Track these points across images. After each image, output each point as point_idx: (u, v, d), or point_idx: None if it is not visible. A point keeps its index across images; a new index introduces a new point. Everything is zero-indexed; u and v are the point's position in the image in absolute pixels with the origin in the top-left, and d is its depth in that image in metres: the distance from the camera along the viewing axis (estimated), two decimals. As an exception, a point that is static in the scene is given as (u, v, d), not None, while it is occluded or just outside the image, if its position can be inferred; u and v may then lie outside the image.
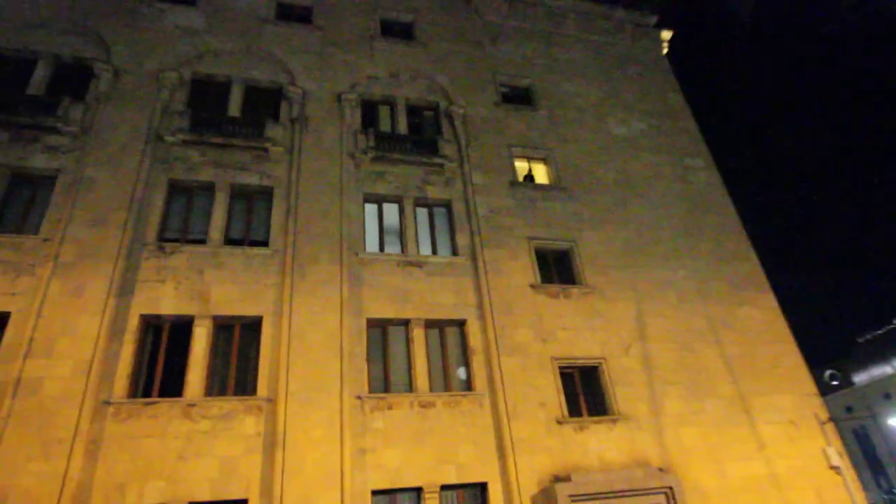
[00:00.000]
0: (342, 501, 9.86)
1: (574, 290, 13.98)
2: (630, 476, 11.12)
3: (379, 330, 12.40)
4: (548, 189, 15.99)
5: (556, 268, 14.70)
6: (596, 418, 12.23)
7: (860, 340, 55.01)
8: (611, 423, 12.20)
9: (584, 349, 13.08)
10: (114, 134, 13.10)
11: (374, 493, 10.30)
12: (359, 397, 11.14)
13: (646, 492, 10.99)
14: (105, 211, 11.87)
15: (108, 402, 9.93)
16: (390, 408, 11.25)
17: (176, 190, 13.06)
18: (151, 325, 11.26)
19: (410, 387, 11.79)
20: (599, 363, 12.99)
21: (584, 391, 12.81)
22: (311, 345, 11.39)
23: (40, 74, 13.78)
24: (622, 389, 12.70)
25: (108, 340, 10.46)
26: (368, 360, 11.79)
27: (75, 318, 10.44)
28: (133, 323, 10.88)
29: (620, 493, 10.85)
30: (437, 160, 15.22)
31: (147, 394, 10.53)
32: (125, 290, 11.12)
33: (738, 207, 17.44)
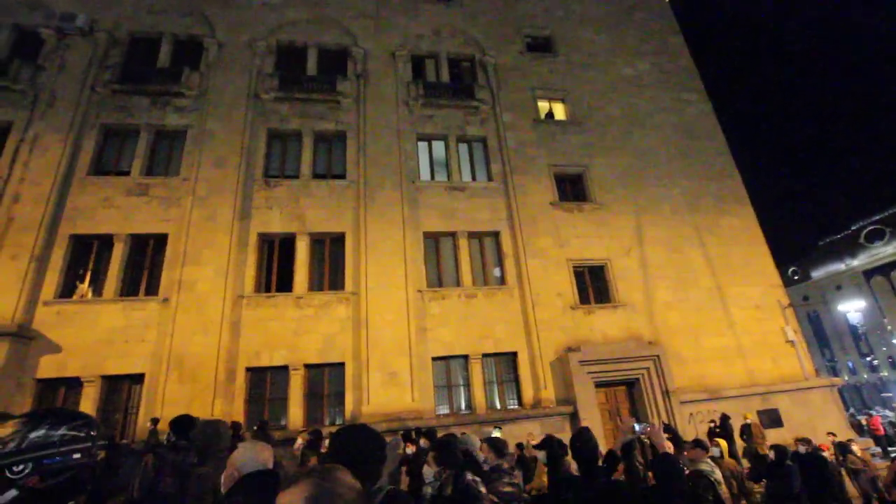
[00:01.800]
0: (411, 364, 10.47)
1: (586, 206, 13.48)
2: (626, 347, 11.24)
3: (433, 240, 12.47)
4: (565, 124, 15.01)
5: (571, 188, 14.12)
6: (601, 305, 12.22)
7: (820, 243, 51.92)
8: (612, 308, 12.18)
9: (592, 252, 12.82)
10: (223, 95, 12.95)
11: (434, 359, 10.87)
12: (419, 291, 11.45)
13: (638, 359, 11.15)
14: (224, 155, 12.01)
15: (241, 296, 10.61)
16: (443, 298, 11.55)
17: (273, 137, 13.00)
18: (266, 241, 11.68)
19: (458, 282, 11.99)
20: (605, 263, 12.75)
21: (592, 285, 12.72)
22: (382, 252, 11.62)
23: (165, 50, 13.52)
24: (622, 283, 12.53)
25: (237, 252, 10.99)
26: (426, 263, 11.97)
27: (213, 236, 10.95)
28: (253, 239, 11.33)
29: (618, 360, 11.05)
30: (474, 104, 14.41)
31: (268, 290, 11.16)
32: (244, 214, 11.48)
33: (726, 131, 15.97)
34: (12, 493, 0.97)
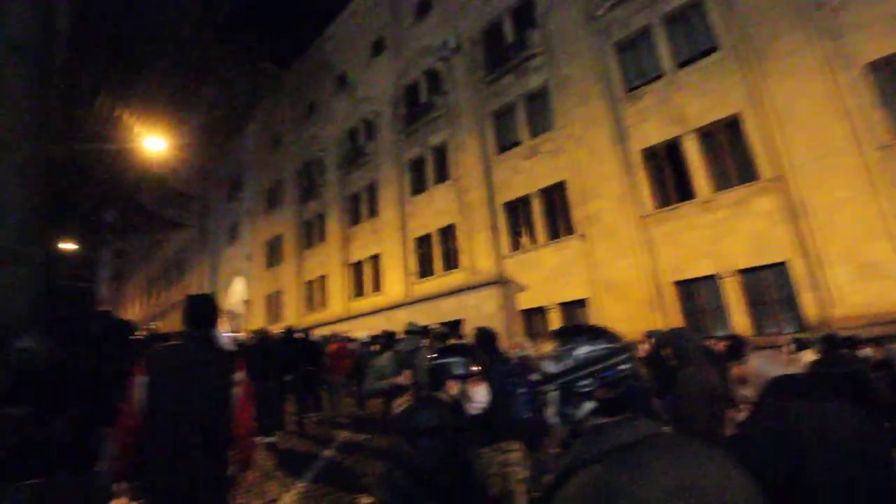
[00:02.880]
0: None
1: None
2: None
3: (883, 72, 8.45)
4: None
5: None
6: None
7: None
8: None
9: None
10: (563, 35, 12.93)
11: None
12: (883, 147, 8.12)
13: None
14: (583, 90, 12.25)
15: (644, 216, 10.84)
16: (935, 146, 7.73)
17: (621, 49, 12.17)
18: (649, 155, 11.26)
19: (960, 115, 7.70)
20: None
21: None
22: (803, 116, 8.91)
23: (507, 26, 14.66)
24: None
25: (626, 175, 11.21)
26: (881, 107, 8.33)
27: (600, 168, 11.59)
28: (636, 158, 11.25)
29: None
30: None
31: (667, 203, 10.84)
32: (621, 138, 11.49)
33: None
34: (591, 404, 1.05)
